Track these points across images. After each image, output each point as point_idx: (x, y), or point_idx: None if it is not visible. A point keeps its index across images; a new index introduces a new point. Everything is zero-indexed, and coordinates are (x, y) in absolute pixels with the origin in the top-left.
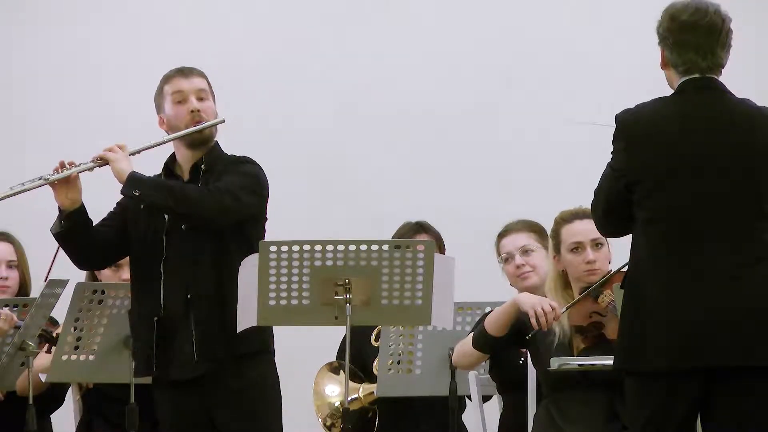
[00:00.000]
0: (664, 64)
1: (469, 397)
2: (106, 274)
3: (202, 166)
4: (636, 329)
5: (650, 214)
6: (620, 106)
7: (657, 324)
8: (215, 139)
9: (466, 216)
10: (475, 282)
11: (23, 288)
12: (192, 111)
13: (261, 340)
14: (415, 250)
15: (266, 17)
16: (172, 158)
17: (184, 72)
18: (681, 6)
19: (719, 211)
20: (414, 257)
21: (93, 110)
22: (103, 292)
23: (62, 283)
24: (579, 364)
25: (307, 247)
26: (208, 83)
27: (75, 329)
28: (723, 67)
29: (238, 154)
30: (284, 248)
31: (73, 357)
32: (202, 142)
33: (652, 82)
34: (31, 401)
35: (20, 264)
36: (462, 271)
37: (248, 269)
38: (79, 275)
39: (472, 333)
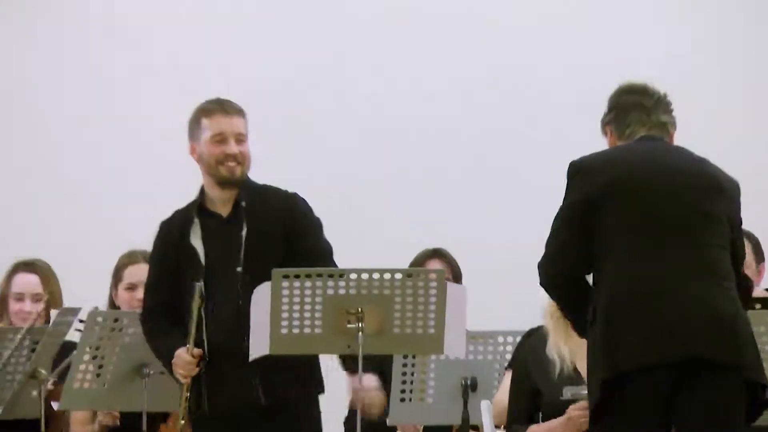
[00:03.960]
0: (613, 143)
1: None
2: (123, 297)
3: (243, 203)
4: (608, 348)
5: (613, 245)
6: None
7: (630, 339)
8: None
9: (482, 244)
10: (488, 310)
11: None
12: (228, 154)
13: (313, 380)
14: (427, 278)
15: (283, 40)
16: (202, 195)
17: (225, 110)
18: (623, 86)
19: (675, 229)
20: (426, 286)
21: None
22: (116, 320)
23: (74, 311)
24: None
25: (319, 276)
26: (245, 121)
27: (88, 357)
28: (669, 132)
29: (272, 185)
30: (297, 277)
31: (86, 385)
32: (238, 179)
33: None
34: (43, 429)
35: (47, 294)
36: (475, 299)
37: (260, 298)
38: (96, 300)
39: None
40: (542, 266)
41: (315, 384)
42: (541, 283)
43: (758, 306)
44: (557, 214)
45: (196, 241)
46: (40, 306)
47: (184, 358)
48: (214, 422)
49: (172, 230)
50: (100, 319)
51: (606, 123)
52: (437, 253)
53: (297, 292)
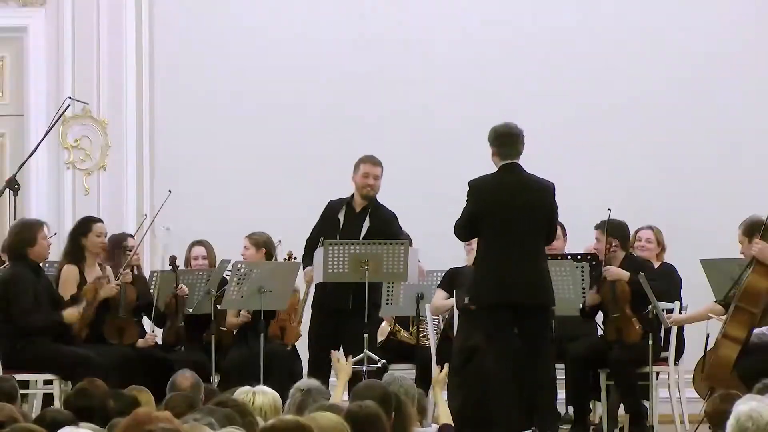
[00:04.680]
0: (493, 155)
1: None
2: (248, 254)
3: (369, 209)
4: (478, 287)
5: (485, 231)
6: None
7: (488, 284)
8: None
9: (434, 215)
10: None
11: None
12: (367, 184)
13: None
14: (399, 245)
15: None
16: (351, 197)
17: (374, 162)
18: (500, 126)
19: (518, 231)
20: (398, 249)
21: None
22: (245, 267)
23: (228, 261)
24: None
25: (347, 244)
26: (382, 169)
27: (235, 282)
28: (520, 153)
29: (384, 200)
30: (337, 245)
31: (234, 296)
32: (370, 197)
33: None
34: (213, 317)
35: (209, 257)
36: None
37: (318, 253)
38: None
39: (458, 303)
40: (455, 230)
41: (378, 303)
42: (456, 237)
43: (561, 257)
44: (464, 210)
45: (341, 217)
46: (206, 262)
47: (309, 273)
48: (324, 314)
49: (332, 207)
50: (239, 266)
51: (491, 145)
52: None
53: (337, 251)
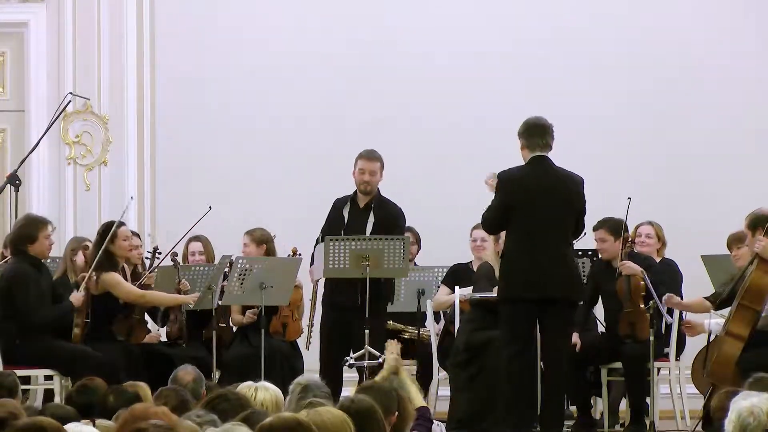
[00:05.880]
0: (522, 148)
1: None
2: (247, 251)
3: (372, 204)
4: (506, 280)
5: (515, 223)
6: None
7: (517, 277)
8: (377, 188)
9: (436, 212)
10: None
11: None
12: (364, 180)
13: (388, 295)
14: (400, 242)
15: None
16: (355, 193)
17: (369, 157)
18: (531, 118)
19: (548, 224)
20: (399, 244)
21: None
22: (248, 262)
23: (229, 257)
24: (479, 296)
25: (348, 239)
26: (381, 164)
27: (236, 278)
28: (551, 149)
29: (387, 197)
30: (338, 241)
31: (236, 291)
32: (368, 192)
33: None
34: (214, 313)
35: (206, 253)
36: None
37: (319, 249)
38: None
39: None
40: (484, 223)
41: (388, 297)
42: (484, 229)
43: (579, 254)
44: (493, 201)
45: (345, 213)
46: (203, 258)
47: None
48: (334, 312)
49: (338, 204)
50: (241, 261)
51: (521, 138)
52: (408, 228)
53: (338, 247)
